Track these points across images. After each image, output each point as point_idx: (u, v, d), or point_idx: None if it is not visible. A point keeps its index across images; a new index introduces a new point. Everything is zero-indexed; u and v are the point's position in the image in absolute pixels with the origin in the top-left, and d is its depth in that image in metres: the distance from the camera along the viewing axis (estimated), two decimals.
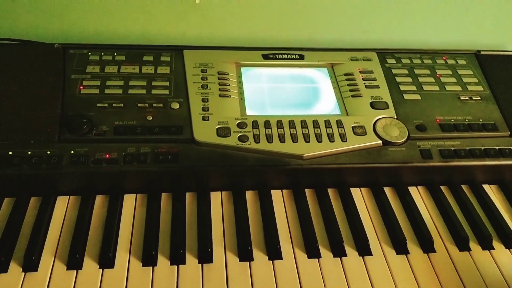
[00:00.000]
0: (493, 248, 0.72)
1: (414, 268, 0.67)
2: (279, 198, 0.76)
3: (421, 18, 1.03)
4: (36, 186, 0.72)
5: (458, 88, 0.89)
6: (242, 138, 0.75)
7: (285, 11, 0.98)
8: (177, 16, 0.96)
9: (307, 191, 0.77)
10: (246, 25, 0.99)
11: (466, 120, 0.84)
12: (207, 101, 0.80)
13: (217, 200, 0.74)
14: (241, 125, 0.77)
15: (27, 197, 0.71)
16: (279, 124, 0.78)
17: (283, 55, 0.91)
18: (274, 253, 0.67)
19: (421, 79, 0.90)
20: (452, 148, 0.79)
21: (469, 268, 0.68)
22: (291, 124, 0.78)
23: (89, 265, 0.63)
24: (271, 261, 0.66)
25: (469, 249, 0.71)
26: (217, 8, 0.96)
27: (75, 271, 0.63)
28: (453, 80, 0.91)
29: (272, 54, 0.91)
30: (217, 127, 0.76)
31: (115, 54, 0.86)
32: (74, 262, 0.63)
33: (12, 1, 0.90)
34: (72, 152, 0.71)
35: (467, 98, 0.88)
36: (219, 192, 0.76)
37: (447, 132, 0.81)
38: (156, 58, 0.87)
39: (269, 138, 0.75)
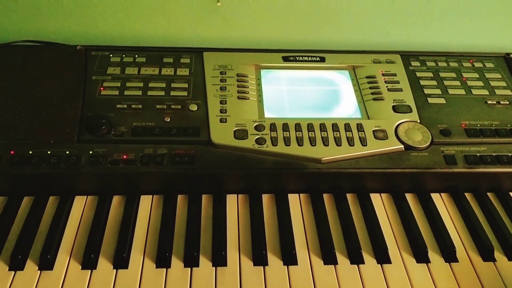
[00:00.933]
0: None
1: (435, 278, 0.65)
2: (296, 202, 0.74)
3: (447, 19, 1.00)
4: (55, 186, 0.72)
5: (485, 92, 0.86)
6: (260, 141, 0.74)
7: (307, 13, 0.97)
8: (198, 18, 0.97)
9: (325, 196, 0.76)
10: (267, 27, 0.98)
11: (493, 125, 0.81)
12: (225, 103, 0.79)
13: (233, 203, 0.74)
14: (258, 128, 0.76)
15: (46, 196, 0.72)
16: (298, 127, 0.76)
17: (303, 58, 0.90)
18: (289, 258, 0.66)
19: (446, 83, 0.87)
20: (478, 154, 0.76)
21: (493, 280, 0.65)
22: (310, 127, 0.76)
23: (104, 265, 0.64)
24: (286, 267, 0.65)
25: (494, 260, 0.68)
26: (238, 10, 0.96)
27: (90, 270, 0.63)
28: (480, 83, 0.88)
29: (292, 56, 0.90)
30: (234, 129, 0.75)
31: (136, 56, 0.87)
32: (88, 262, 0.63)
33: (36, 3, 0.92)
34: (91, 152, 0.72)
35: (495, 102, 0.85)
36: (235, 194, 0.75)
37: (473, 137, 0.79)
38: (176, 60, 0.87)
39: (286, 141, 0.74)
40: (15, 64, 0.82)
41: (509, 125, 0.81)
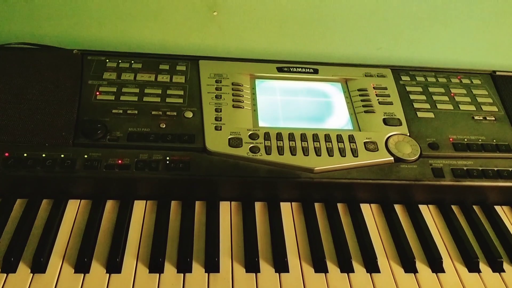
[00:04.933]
0: (504, 271, 0.70)
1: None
2: (288, 211, 0.76)
3: (437, 36, 1.03)
4: (49, 189, 0.72)
5: (472, 107, 0.89)
6: (254, 149, 0.75)
7: (301, 25, 0.99)
8: (194, 27, 0.98)
9: (316, 205, 0.77)
10: (262, 38, 1.00)
11: (480, 140, 0.83)
12: (220, 111, 0.80)
13: (226, 210, 0.74)
14: (253, 136, 0.77)
15: (39, 199, 0.72)
16: (291, 136, 0.78)
17: (297, 69, 0.92)
18: (281, 265, 0.67)
19: (435, 97, 0.90)
20: (465, 168, 0.79)
21: None
22: (303, 137, 0.78)
23: (97, 269, 0.64)
24: (277, 274, 0.66)
25: (479, 271, 0.70)
26: (234, 20, 0.97)
27: (83, 274, 0.63)
28: (468, 99, 0.90)
29: (286, 67, 0.92)
30: (229, 137, 0.76)
31: (132, 62, 0.88)
32: (82, 266, 0.63)
33: (32, 6, 0.92)
34: (86, 156, 0.72)
35: (481, 118, 0.87)
36: (229, 202, 0.76)
37: (460, 151, 0.81)
38: (172, 67, 0.88)
39: (280, 150, 0.76)
40: (10, 66, 0.82)
41: (494, 140, 0.83)
